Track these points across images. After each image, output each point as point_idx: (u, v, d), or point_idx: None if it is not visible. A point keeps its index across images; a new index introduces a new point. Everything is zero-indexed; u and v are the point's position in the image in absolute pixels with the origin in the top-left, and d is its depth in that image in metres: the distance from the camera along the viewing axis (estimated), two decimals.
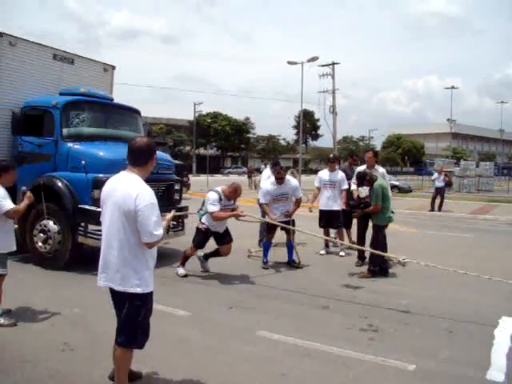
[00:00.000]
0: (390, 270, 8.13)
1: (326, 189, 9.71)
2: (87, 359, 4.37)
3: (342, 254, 9.70)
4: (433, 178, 20.83)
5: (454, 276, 7.56)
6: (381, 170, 9.20)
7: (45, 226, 7.74)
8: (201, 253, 7.89)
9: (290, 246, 8.57)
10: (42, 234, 7.78)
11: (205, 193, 23.61)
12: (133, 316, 3.47)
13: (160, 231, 3.35)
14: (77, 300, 6.14)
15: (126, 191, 3.36)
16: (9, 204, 5.09)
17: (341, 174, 9.80)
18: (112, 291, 3.58)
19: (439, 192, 19.64)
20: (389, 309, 6.20)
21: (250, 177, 33.32)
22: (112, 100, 9.68)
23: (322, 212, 9.78)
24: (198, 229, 7.65)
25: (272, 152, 72.55)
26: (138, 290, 3.41)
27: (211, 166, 49.99)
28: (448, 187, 22.07)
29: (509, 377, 4.25)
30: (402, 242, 10.55)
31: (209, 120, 69.75)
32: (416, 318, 5.86)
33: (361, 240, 8.53)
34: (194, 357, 4.47)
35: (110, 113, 9.22)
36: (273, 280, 7.60)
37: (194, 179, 32.96)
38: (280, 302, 6.39)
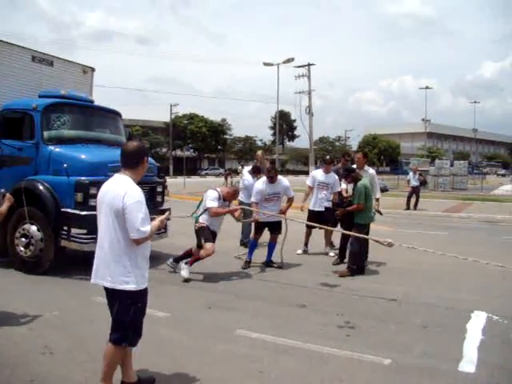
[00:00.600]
0: (367, 268, 8.27)
1: (319, 190, 9.72)
2: (67, 362, 4.38)
3: (331, 253, 9.69)
4: (408, 177, 21.15)
5: (427, 272, 7.76)
6: (371, 171, 9.35)
7: (26, 231, 7.61)
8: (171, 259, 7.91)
9: (271, 246, 8.61)
10: (23, 239, 7.65)
11: (182, 194, 23.81)
12: (122, 314, 3.54)
13: (147, 228, 3.44)
14: (57, 303, 6.14)
15: (115, 191, 3.48)
16: None
17: (335, 177, 9.84)
18: (106, 290, 3.67)
19: (414, 191, 19.93)
20: (365, 306, 6.33)
21: (226, 178, 33.35)
22: (93, 102, 9.59)
23: (312, 212, 9.78)
24: (199, 229, 7.55)
25: (249, 153, 72.60)
26: (127, 288, 3.48)
27: (188, 168, 50.00)
28: (423, 186, 22.39)
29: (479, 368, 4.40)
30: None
31: (185, 121, 69.61)
32: (391, 314, 5.99)
33: (345, 239, 8.63)
34: (173, 356, 4.52)
35: (91, 115, 9.11)
36: (252, 280, 7.67)
37: (171, 181, 32.64)
38: (258, 302, 6.46)
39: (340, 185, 9.51)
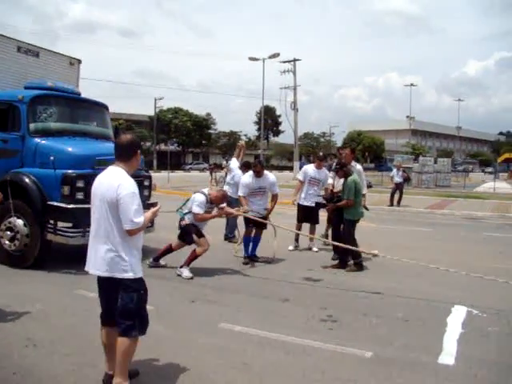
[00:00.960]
0: (350, 263, 8.34)
1: (311, 185, 9.78)
2: (51, 354, 4.38)
3: (315, 249, 9.81)
4: (391, 174, 21.31)
5: (410, 268, 7.85)
6: (358, 166, 9.43)
7: (12, 224, 7.52)
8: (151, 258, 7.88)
9: (256, 240, 8.61)
10: (8, 232, 7.55)
11: (169, 189, 23.76)
12: (126, 303, 3.56)
13: (140, 219, 3.49)
14: (40, 296, 6.13)
15: (110, 183, 3.53)
16: None
17: (326, 173, 9.91)
18: (100, 280, 3.70)
19: (398, 187, 20.08)
20: (348, 300, 6.42)
21: (211, 172, 33.37)
22: (80, 94, 9.50)
23: (301, 207, 9.86)
24: (185, 227, 7.50)
25: (233, 148, 72.53)
26: (126, 276, 3.53)
27: (172, 162, 49.79)
28: (406, 183, 22.56)
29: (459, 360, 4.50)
30: (361, 236, 10.77)
31: (170, 116, 69.19)
32: (373, 308, 6.07)
33: (336, 234, 8.70)
34: (157, 349, 4.53)
35: (78, 108, 9.03)
36: (236, 274, 7.70)
37: (155, 175, 32.50)
38: (242, 295, 6.51)
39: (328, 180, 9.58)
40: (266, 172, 8.64)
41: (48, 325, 5.16)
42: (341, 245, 7.81)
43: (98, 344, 3.89)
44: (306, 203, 9.76)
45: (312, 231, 9.88)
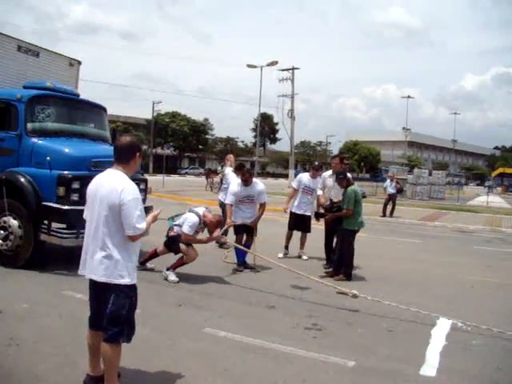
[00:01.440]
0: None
1: (304, 194, 9.78)
2: (33, 354, 4.37)
3: (305, 257, 9.80)
4: (384, 185, 21.38)
5: (398, 279, 7.89)
6: (347, 175, 9.43)
7: (5, 223, 7.43)
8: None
9: (246, 247, 8.51)
10: (2, 231, 7.47)
11: (161, 193, 23.73)
12: (118, 308, 3.51)
13: (143, 225, 3.48)
14: (27, 296, 6.10)
15: (112, 186, 3.48)
16: None
17: (320, 182, 9.94)
18: (93, 284, 3.64)
19: (391, 198, 20.14)
20: (334, 309, 6.42)
21: (207, 177, 33.41)
22: (78, 96, 9.45)
23: (294, 215, 9.84)
24: (171, 237, 7.47)
25: (229, 154, 72.60)
26: (122, 281, 3.50)
27: (168, 166, 49.83)
28: (399, 194, 22.64)
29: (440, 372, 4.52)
30: None
31: (167, 119, 69.16)
32: (359, 317, 6.10)
33: (328, 244, 8.73)
34: (139, 352, 4.52)
35: (76, 109, 8.97)
36: (224, 280, 7.70)
37: (151, 179, 32.35)
38: (228, 301, 6.51)
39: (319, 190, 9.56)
40: (254, 180, 8.66)
41: (33, 325, 5.14)
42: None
43: (81, 344, 3.90)
44: (298, 211, 9.74)
45: (303, 239, 9.89)
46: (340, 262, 8.09)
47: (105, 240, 3.49)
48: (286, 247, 9.96)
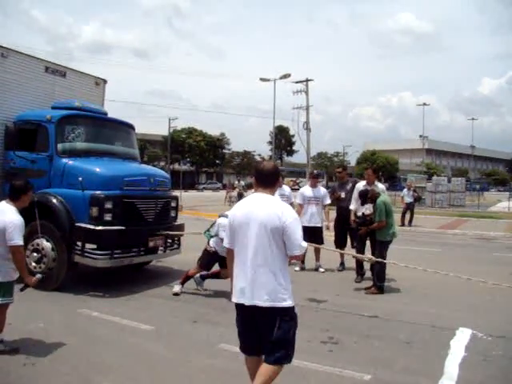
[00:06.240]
0: (358, 285, 8.28)
1: (310, 205, 9.78)
2: (48, 373, 4.41)
3: (321, 270, 9.75)
4: (402, 194, 21.22)
5: (415, 289, 7.78)
6: (380, 186, 9.26)
7: (38, 245, 7.36)
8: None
9: None
10: (35, 254, 7.40)
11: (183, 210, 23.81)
12: (285, 332, 3.49)
13: (305, 243, 3.56)
14: (43, 315, 6.16)
15: (271, 210, 3.51)
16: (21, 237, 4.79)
17: (323, 190, 9.93)
18: (250, 310, 3.53)
19: (409, 207, 19.97)
20: (351, 322, 6.36)
21: (227, 191, 33.74)
22: (106, 114, 9.51)
23: (306, 229, 9.69)
24: (205, 250, 7.48)
25: (247, 168, 72.73)
26: (285, 304, 3.49)
27: (186, 182, 49.99)
28: (417, 202, 22.42)
29: None
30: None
31: (183, 135, 69.87)
32: (376, 330, 6.02)
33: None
34: (155, 369, 4.53)
35: (105, 128, 9.01)
36: None
37: None
38: None
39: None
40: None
41: (49, 343, 5.17)
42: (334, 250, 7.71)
43: (95, 363, 3.91)
44: (309, 224, 9.58)
45: (317, 251, 9.82)
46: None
47: (267, 264, 3.48)
48: (302, 261, 9.86)
